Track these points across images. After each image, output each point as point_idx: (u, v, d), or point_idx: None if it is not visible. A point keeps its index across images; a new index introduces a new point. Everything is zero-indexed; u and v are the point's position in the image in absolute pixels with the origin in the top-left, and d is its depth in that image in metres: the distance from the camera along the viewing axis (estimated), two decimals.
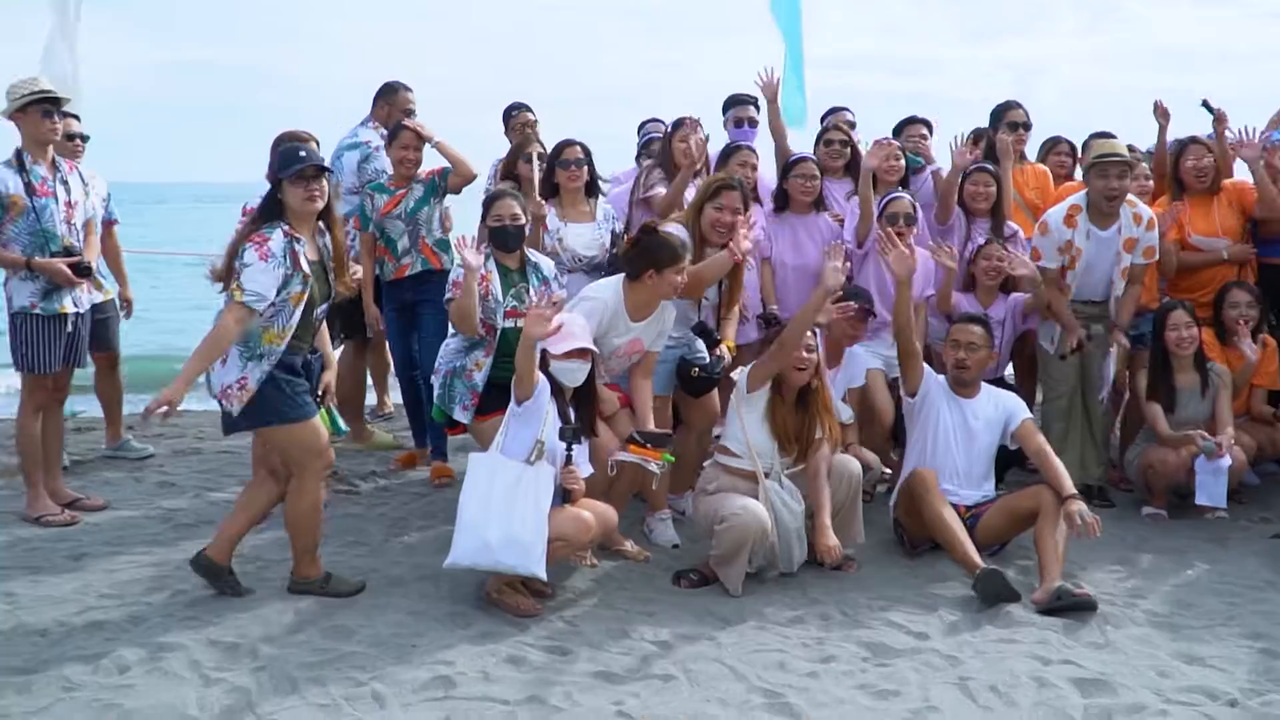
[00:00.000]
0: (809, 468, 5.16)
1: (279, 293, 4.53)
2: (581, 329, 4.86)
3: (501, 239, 5.44)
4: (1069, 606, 4.70)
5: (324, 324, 4.99)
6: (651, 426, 5.22)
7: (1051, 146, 7.64)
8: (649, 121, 7.70)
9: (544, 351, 4.79)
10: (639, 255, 5.14)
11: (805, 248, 6.51)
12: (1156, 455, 6.05)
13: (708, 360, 5.59)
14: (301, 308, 4.63)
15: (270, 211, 4.66)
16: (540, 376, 4.70)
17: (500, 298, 5.34)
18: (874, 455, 6.08)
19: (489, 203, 5.53)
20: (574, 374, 4.83)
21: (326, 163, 4.85)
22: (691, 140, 6.19)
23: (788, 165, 6.59)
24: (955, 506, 5.40)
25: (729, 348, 5.68)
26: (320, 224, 4.78)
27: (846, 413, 5.97)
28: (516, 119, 7.66)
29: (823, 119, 7.48)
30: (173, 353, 10.88)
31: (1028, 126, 7.14)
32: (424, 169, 6.58)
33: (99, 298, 6.65)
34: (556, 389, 4.80)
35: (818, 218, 6.54)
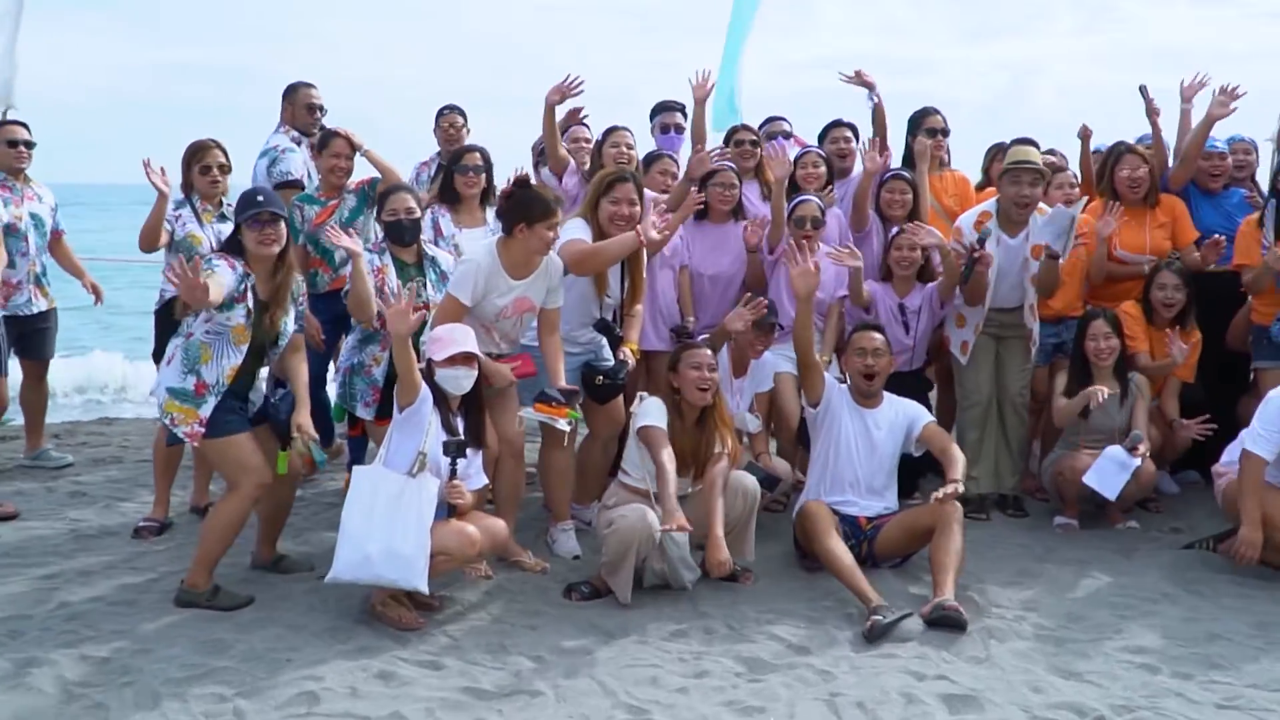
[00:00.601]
0: (705, 480, 5.14)
1: (225, 307, 4.73)
2: (464, 334, 4.83)
3: (397, 233, 5.50)
4: (941, 621, 4.67)
5: (302, 364, 5.09)
6: (562, 383, 5.19)
7: (995, 154, 7.57)
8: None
9: (428, 361, 4.78)
10: (510, 210, 5.14)
11: (721, 257, 6.49)
12: (1067, 463, 6.03)
13: (612, 365, 5.56)
14: (245, 347, 4.82)
15: (233, 248, 4.89)
16: (423, 386, 4.68)
17: (397, 291, 5.36)
18: (786, 465, 6.06)
19: (383, 198, 5.60)
20: (459, 381, 4.81)
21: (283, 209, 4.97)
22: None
23: (707, 173, 6.56)
24: (855, 518, 5.40)
25: (632, 350, 5.64)
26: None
27: (754, 423, 5.96)
28: (445, 120, 7.64)
29: (762, 126, 7.44)
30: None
31: (945, 132, 7.11)
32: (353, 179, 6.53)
33: (43, 305, 6.67)
34: (441, 399, 4.77)
35: (735, 226, 6.51)
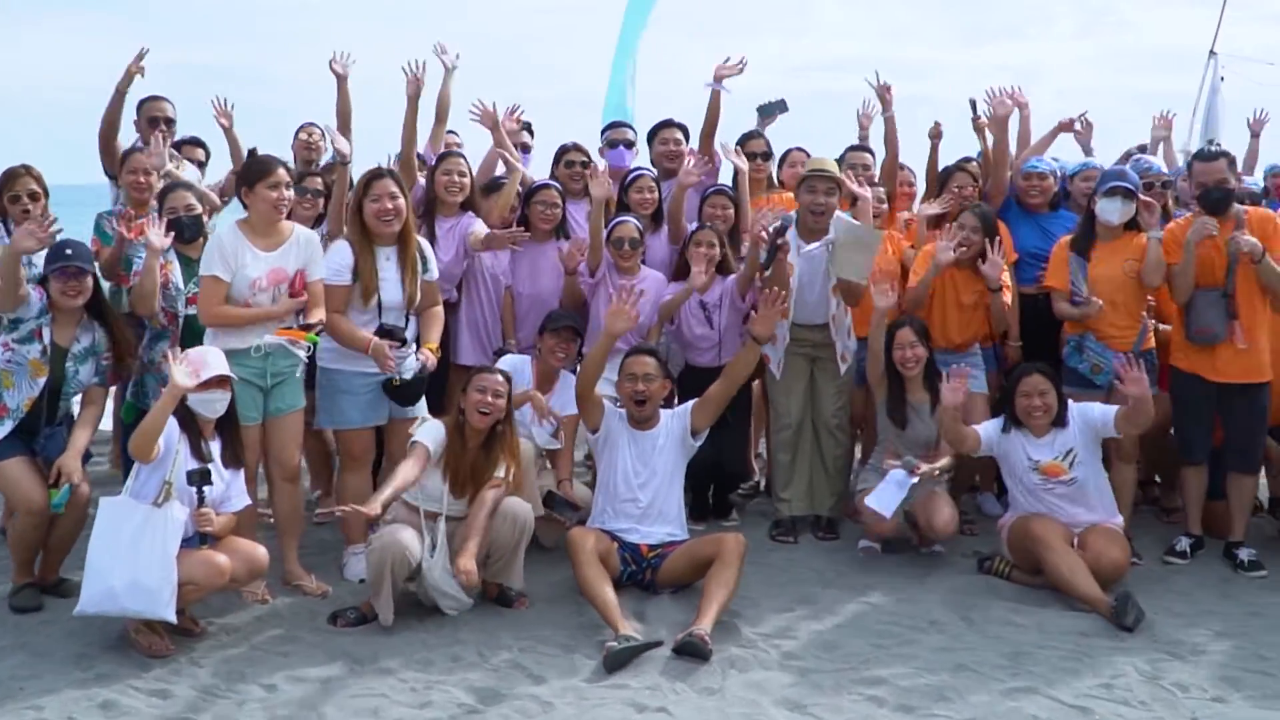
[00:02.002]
0: (476, 499, 5.16)
1: (24, 340, 5.10)
2: (216, 357, 4.88)
3: (178, 230, 5.61)
4: (684, 650, 4.70)
5: (90, 414, 5.27)
6: (320, 318, 5.28)
7: (950, 173, 7.47)
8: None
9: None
10: (238, 181, 5.31)
11: (541, 276, 6.52)
12: (860, 487, 6.05)
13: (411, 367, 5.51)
14: (42, 381, 5.13)
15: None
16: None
17: (181, 286, 5.59)
18: (587, 493, 6.05)
19: (162, 195, 5.79)
20: (214, 405, 4.86)
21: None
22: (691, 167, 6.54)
23: (530, 191, 6.60)
24: (637, 546, 5.43)
25: (431, 350, 5.60)
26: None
27: (550, 441, 5.96)
28: (301, 132, 7.65)
29: (604, 131, 7.46)
30: None
31: (767, 156, 7.13)
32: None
33: None
34: (191, 424, 4.80)
35: (556, 245, 6.54)
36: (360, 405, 5.52)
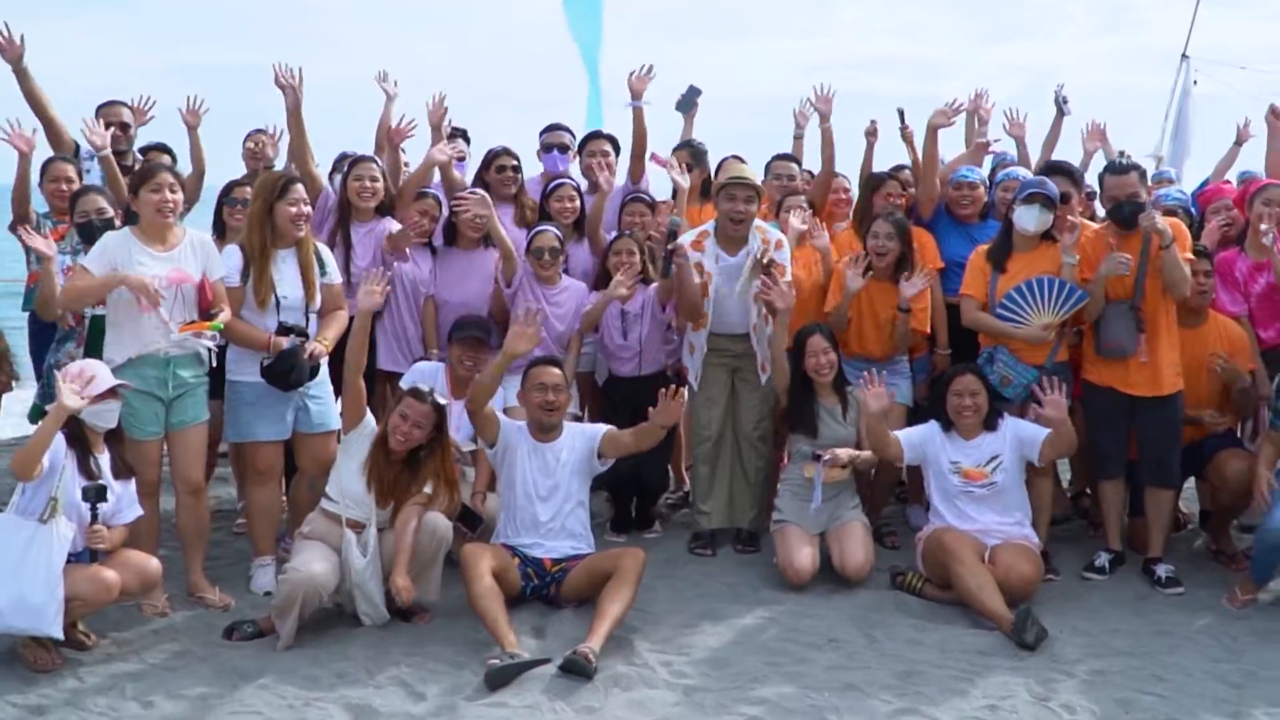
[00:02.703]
0: (401, 515, 5.17)
1: None
2: (100, 369, 4.88)
3: (88, 234, 5.65)
4: (568, 668, 4.67)
5: None
6: (225, 312, 5.28)
7: (877, 184, 7.36)
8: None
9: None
10: (129, 189, 5.40)
11: (469, 284, 6.50)
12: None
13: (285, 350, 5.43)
14: None
15: None
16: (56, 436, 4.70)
17: None
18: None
19: (74, 199, 5.86)
20: (107, 415, 4.86)
21: None
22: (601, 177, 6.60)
23: (457, 198, 6.57)
24: (540, 560, 5.41)
25: (322, 344, 5.54)
26: None
27: (467, 443, 5.93)
28: (249, 140, 7.63)
29: (580, 146, 7.45)
30: None
31: (690, 167, 7.09)
32: None
33: None
34: (76, 440, 4.80)
35: (484, 253, 6.53)
36: (267, 418, 5.51)
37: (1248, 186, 6.26)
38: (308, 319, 5.56)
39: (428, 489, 5.22)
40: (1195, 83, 11.55)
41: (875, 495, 6.44)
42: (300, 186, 5.52)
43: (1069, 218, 5.85)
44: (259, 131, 7.67)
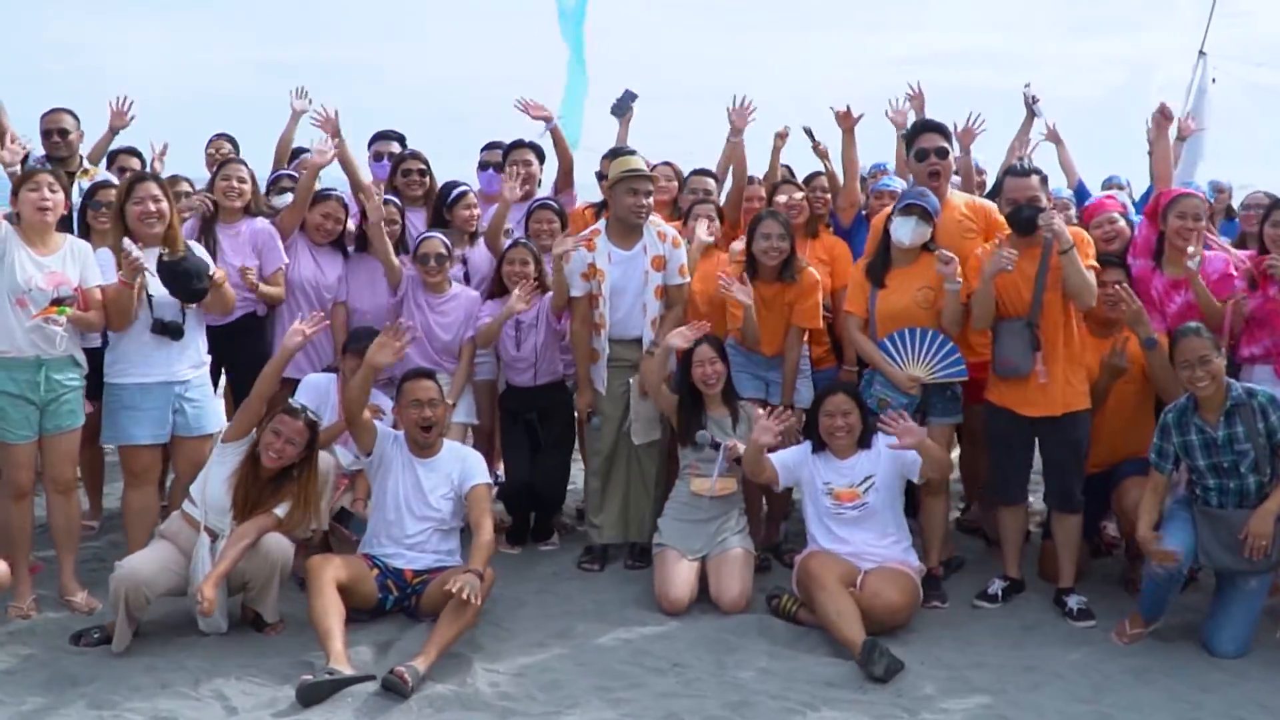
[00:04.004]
0: (240, 526, 5.17)
1: None
2: None
3: None
4: (386, 686, 4.61)
5: None
6: (97, 319, 5.38)
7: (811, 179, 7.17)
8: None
9: None
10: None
11: (379, 291, 6.49)
12: None
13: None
14: None
15: None
16: None
17: None
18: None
19: None
20: None
21: None
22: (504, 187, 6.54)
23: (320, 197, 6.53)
24: (401, 571, 5.37)
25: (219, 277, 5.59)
26: None
27: (354, 463, 5.92)
28: (209, 146, 7.70)
29: (504, 155, 7.41)
30: None
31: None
32: None
33: None
34: None
35: (399, 258, 6.50)
36: (144, 422, 5.56)
37: (1159, 197, 5.91)
38: (183, 315, 5.61)
39: (280, 511, 5.19)
40: (1214, 80, 11.01)
41: (773, 508, 6.28)
42: (148, 185, 5.55)
43: (946, 255, 5.54)
44: (219, 137, 7.77)
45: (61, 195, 5.44)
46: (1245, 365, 5.68)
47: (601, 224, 6.17)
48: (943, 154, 5.86)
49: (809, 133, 6.67)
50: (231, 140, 7.83)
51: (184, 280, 5.50)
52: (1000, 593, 5.70)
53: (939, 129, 6.02)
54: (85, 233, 6.22)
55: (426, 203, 6.81)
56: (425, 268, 6.21)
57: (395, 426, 5.67)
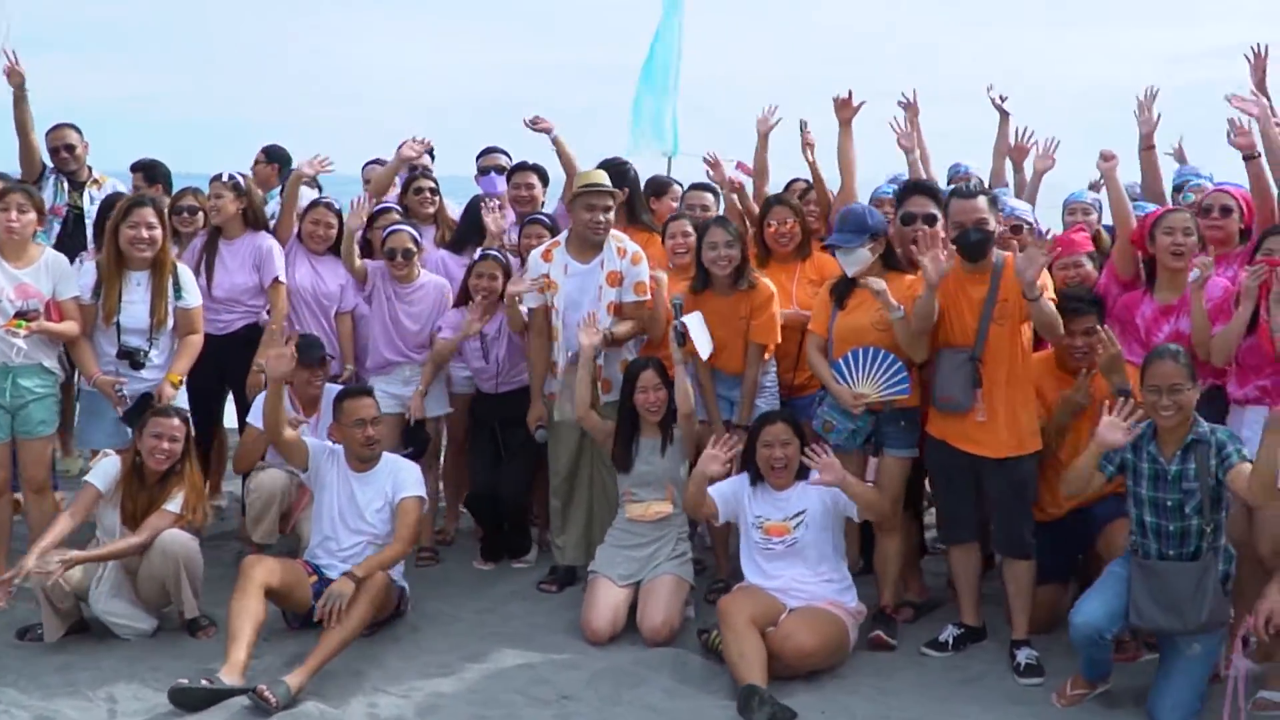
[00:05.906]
0: (141, 525, 5.29)
1: None
2: None
3: None
4: (254, 700, 4.63)
5: None
6: (71, 329, 5.60)
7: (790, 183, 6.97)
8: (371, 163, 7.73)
9: None
10: None
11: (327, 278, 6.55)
12: None
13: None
14: None
15: None
16: None
17: None
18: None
19: None
20: None
21: None
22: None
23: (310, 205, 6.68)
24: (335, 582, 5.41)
25: (173, 380, 5.77)
26: None
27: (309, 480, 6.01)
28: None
29: (479, 156, 7.43)
30: None
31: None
32: None
33: None
34: None
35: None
36: (106, 428, 5.83)
37: (1144, 221, 5.33)
38: (151, 342, 5.82)
39: (173, 506, 5.28)
40: None
41: (715, 538, 6.07)
42: (145, 210, 5.74)
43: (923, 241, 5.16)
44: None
45: (33, 214, 5.73)
46: (1236, 407, 5.07)
47: (561, 236, 6.08)
48: (931, 221, 5.38)
49: (803, 125, 6.38)
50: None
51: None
52: (952, 640, 5.29)
53: (929, 192, 5.61)
54: (98, 239, 6.42)
55: (437, 222, 6.86)
56: (392, 262, 6.27)
57: (330, 438, 5.73)
